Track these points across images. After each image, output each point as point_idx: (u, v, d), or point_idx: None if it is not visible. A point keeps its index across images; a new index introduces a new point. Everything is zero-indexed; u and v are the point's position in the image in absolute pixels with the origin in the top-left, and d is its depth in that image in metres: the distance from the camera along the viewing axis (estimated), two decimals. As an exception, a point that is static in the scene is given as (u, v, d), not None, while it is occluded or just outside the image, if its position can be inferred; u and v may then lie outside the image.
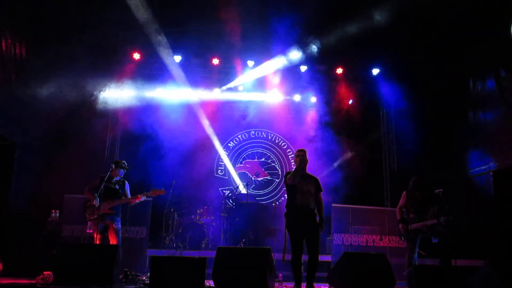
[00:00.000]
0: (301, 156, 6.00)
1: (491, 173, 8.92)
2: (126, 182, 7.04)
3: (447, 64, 10.05)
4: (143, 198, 6.84)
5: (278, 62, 10.88)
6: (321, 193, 6.11)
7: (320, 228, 5.85)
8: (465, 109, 9.77)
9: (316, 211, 5.94)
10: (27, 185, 8.60)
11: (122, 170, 6.99)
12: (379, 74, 11.58)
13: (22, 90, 8.39)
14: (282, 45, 10.25)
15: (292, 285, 5.84)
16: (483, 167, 9.22)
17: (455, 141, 10.21)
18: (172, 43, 10.17)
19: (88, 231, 6.73)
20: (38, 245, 7.72)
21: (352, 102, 12.19)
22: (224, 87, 11.83)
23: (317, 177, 6.18)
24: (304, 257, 5.88)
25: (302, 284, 5.77)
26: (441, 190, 6.78)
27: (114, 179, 6.89)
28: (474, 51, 9.24)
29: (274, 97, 12.18)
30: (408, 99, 10.98)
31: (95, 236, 6.55)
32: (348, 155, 11.69)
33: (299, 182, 5.91)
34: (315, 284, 5.74)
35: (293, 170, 6.05)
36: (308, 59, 10.73)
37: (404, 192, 6.77)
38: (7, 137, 8.21)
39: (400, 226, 6.63)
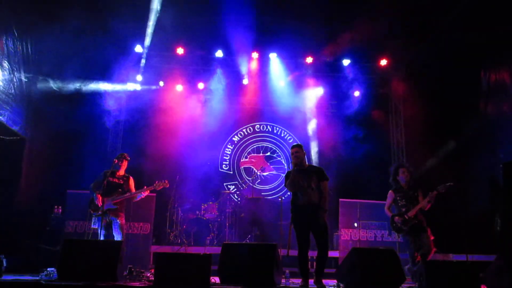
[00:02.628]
0: (295, 154, 5.85)
1: (501, 165, 8.77)
2: (130, 177, 6.95)
3: (457, 55, 9.86)
4: (147, 192, 6.74)
5: (283, 54, 10.75)
6: (327, 182, 5.89)
7: (320, 218, 5.65)
8: (476, 100, 9.61)
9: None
10: (35, 181, 8.59)
11: (125, 163, 6.89)
12: (387, 65, 11.39)
13: (30, 85, 8.40)
14: (289, 37, 10.09)
15: (299, 281, 5.74)
16: (494, 159, 9.07)
17: (466, 133, 10.03)
18: (175, 35, 10.07)
19: (93, 226, 6.67)
20: (41, 241, 7.68)
21: (359, 94, 12.03)
22: (228, 79, 11.69)
23: (319, 167, 6.04)
24: (312, 253, 5.78)
25: (310, 280, 5.66)
26: (451, 183, 6.66)
27: (118, 174, 6.80)
28: (485, 41, 9.06)
29: (280, 89, 12.03)
30: (417, 91, 10.80)
31: (99, 232, 6.47)
32: (356, 148, 11.55)
33: (298, 178, 5.78)
34: (323, 280, 5.63)
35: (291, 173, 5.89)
36: (315, 51, 10.57)
37: (391, 191, 6.66)
38: (17, 133, 8.19)
39: (396, 219, 6.43)
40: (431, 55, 10.23)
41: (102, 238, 6.43)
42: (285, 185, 6.03)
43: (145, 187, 6.74)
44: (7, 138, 7.82)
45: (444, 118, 10.51)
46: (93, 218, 6.65)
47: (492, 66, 9.25)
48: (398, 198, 6.51)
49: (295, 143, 6.20)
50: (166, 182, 6.82)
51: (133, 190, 6.85)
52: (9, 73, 7.72)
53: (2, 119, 7.62)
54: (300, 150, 5.89)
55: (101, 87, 10.27)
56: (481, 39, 9.03)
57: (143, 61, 10.75)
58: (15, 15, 7.76)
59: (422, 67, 10.78)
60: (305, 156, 5.98)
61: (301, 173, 5.81)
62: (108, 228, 6.60)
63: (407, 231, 6.35)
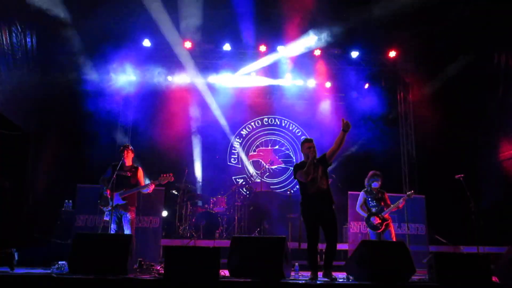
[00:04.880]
0: (313, 148, 5.88)
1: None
2: (139, 167, 6.92)
3: (468, 40, 9.64)
4: (153, 186, 6.70)
5: (291, 46, 10.66)
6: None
7: (330, 208, 5.75)
8: (491, 88, 9.43)
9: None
10: (42, 175, 8.63)
11: (129, 153, 6.85)
12: (396, 56, 11.25)
13: (34, 79, 8.41)
14: (296, 29, 10.02)
15: (309, 274, 5.73)
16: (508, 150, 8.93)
17: (480, 122, 9.85)
18: (182, 28, 10.06)
19: (105, 218, 6.70)
20: (52, 235, 7.75)
21: (368, 86, 11.94)
22: (236, 73, 11.63)
23: (321, 155, 6.00)
24: (321, 246, 5.78)
25: (319, 272, 5.66)
26: (462, 175, 6.66)
27: (126, 166, 6.79)
28: (497, 25, 8.85)
29: (287, 82, 11.95)
30: (427, 81, 10.67)
31: (110, 225, 6.50)
32: (365, 141, 11.47)
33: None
34: (334, 273, 5.63)
35: (305, 165, 5.85)
36: (323, 43, 10.48)
37: (362, 192, 7.46)
38: (22, 128, 8.22)
39: (373, 219, 7.18)
40: (440, 44, 10.05)
41: (112, 232, 6.47)
42: (294, 177, 6.06)
43: (150, 184, 6.70)
44: (12, 133, 7.84)
45: (454, 110, 10.39)
46: (105, 211, 6.69)
47: (506, 49, 9.05)
48: (369, 199, 7.35)
49: (307, 138, 6.18)
50: (171, 175, 6.79)
51: (142, 181, 6.84)
52: (13, 68, 7.71)
53: (7, 113, 7.63)
54: (314, 144, 5.98)
55: (109, 80, 10.29)
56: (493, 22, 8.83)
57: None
58: (17, 9, 7.72)
59: (432, 56, 10.60)
60: None
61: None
62: (119, 222, 6.62)
63: (381, 229, 7.12)
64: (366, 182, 7.45)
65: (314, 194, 5.80)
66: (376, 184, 7.33)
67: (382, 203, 7.27)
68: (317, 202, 5.77)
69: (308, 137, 6.24)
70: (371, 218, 7.22)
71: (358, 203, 7.48)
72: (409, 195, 7.37)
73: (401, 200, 7.29)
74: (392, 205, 7.24)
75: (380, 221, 7.15)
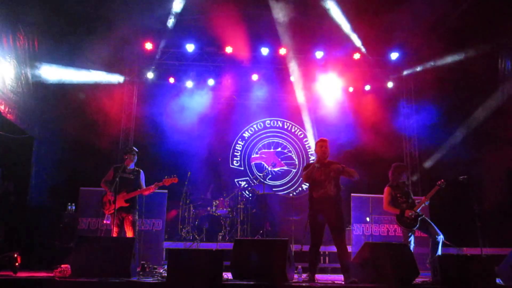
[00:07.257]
0: (324, 148, 5.85)
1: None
2: (141, 171, 6.92)
3: (472, 43, 9.64)
4: (156, 188, 6.70)
5: (292, 48, 10.69)
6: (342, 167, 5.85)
7: (337, 212, 5.64)
8: (492, 89, 9.43)
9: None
10: (45, 178, 8.66)
11: (133, 156, 6.87)
12: (398, 58, 11.26)
13: (37, 84, 8.44)
14: (296, 31, 10.04)
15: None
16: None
17: (482, 124, 9.83)
18: (185, 31, 10.09)
19: (105, 221, 6.71)
20: (55, 238, 7.76)
21: (369, 88, 11.92)
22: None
23: (337, 162, 5.92)
24: (324, 248, 5.78)
25: (316, 275, 5.67)
26: (465, 176, 6.60)
27: (129, 168, 6.79)
28: (502, 28, 8.86)
29: (290, 85, 11.95)
30: (429, 82, 10.65)
31: (112, 228, 6.50)
32: (366, 143, 11.44)
33: (316, 172, 5.77)
34: (334, 275, 5.62)
35: (310, 165, 5.90)
36: (324, 44, 10.49)
37: (387, 187, 6.64)
38: (25, 131, 8.24)
39: (408, 214, 6.39)
40: (444, 44, 10.04)
41: (114, 235, 6.47)
42: (302, 176, 6.07)
43: (153, 185, 6.69)
44: (16, 136, 7.86)
45: (458, 108, 10.38)
46: (106, 214, 6.69)
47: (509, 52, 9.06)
48: (398, 195, 6.55)
49: (322, 138, 6.07)
50: (175, 177, 6.79)
51: (143, 184, 6.86)
52: (17, 71, 7.72)
53: (11, 117, 7.65)
54: (327, 145, 5.90)
55: (111, 81, 10.32)
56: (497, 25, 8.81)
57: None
58: (21, 12, 7.74)
59: (435, 56, 10.59)
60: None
61: (320, 167, 5.79)
62: (121, 225, 6.61)
63: (416, 226, 6.40)
64: (391, 176, 6.66)
65: (319, 199, 5.73)
66: (405, 177, 6.67)
67: (410, 197, 6.54)
68: (322, 207, 5.70)
69: (323, 138, 6.07)
70: (406, 214, 6.38)
71: (385, 201, 6.60)
72: (440, 184, 6.45)
73: (432, 191, 6.50)
74: (424, 197, 6.51)
75: (415, 216, 6.35)
